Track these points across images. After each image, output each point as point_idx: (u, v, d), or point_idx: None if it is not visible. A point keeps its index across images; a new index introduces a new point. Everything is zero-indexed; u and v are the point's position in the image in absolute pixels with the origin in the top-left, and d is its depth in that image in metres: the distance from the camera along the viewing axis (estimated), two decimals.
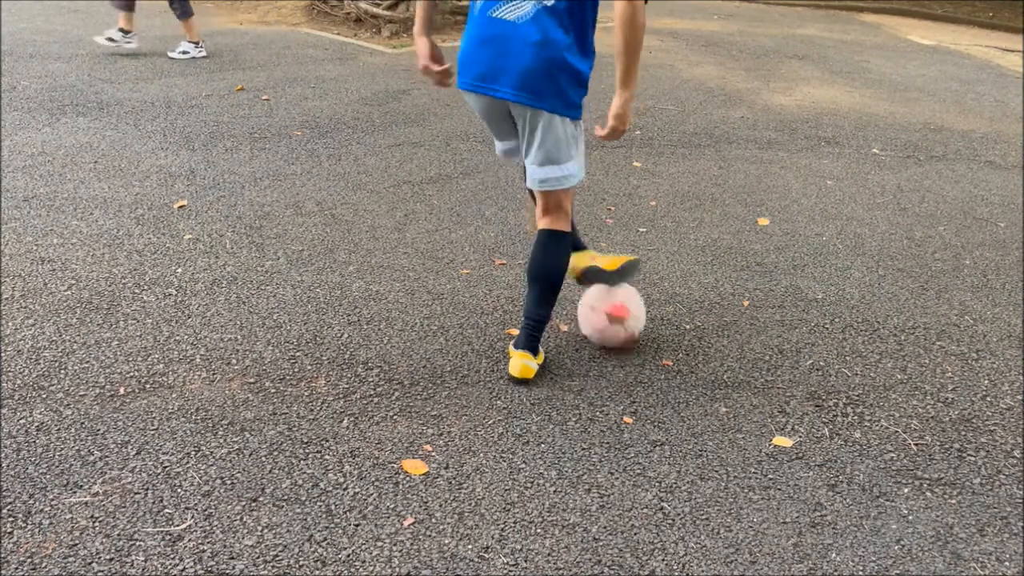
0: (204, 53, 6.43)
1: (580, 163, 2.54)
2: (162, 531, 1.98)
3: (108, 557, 1.90)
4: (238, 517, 2.03)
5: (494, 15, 2.35)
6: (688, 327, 3.02)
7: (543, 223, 2.58)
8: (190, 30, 6.35)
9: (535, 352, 2.63)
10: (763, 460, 2.35)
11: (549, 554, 1.98)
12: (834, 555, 2.03)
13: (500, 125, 2.56)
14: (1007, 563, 2.04)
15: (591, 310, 2.79)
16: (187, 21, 6.29)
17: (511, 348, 2.67)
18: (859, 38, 9.13)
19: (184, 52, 6.36)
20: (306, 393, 2.53)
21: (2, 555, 1.89)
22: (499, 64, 2.36)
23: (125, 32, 6.29)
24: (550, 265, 2.58)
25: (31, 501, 2.05)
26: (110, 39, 6.31)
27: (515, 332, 2.89)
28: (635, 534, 2.05)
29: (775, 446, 2.41)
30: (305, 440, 2.32)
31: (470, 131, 5.06)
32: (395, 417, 2.44)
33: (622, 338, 2.78)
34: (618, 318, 2.74)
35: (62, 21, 7.55)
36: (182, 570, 1.87)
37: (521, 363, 2.59)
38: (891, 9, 11.17)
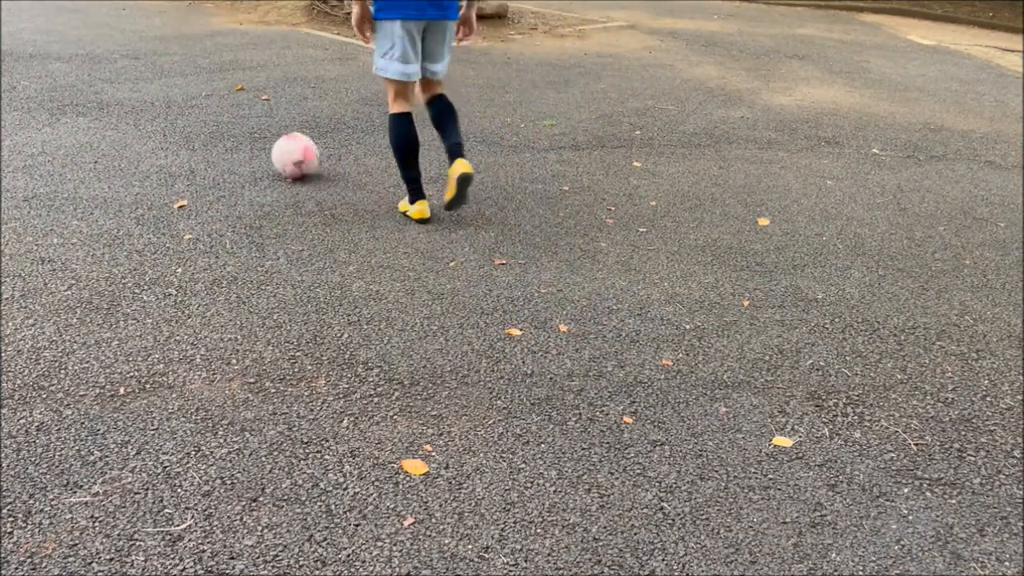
0: None
1: None
2: (162, 531, 1.98)
3: (108, 557, 1.90)
4: (238, 517, 2.03)
5: None
6: (688, 327, 3.02)
7: (434, 92, 3.78)
8: None
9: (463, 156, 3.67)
10: (763, 460, 2.35)
11: (549, 554, 1.98)
12: (834, 555, 2.03)
13: (415, 44, 3.55)
14: (1007, 563, 2.04)
15: (288, 143, 4.18)
16: None
17: (452, 165, 3.61)
18: (859, 38, 9.13)
19: None
20: (306, 393, 2.53)
21: (2, 555, 1.89)
22: None
23: None
24: (454, 109, 3.79)
25: (31, 501, 2.05)
26: None
27: (515, 332, 2.90)
28: (635, 534, 2.05)
29: (775, 446, 2.41)
30: (305, 440, 2.32)
31: (469, 131, 5.06)
32: (395, 417, 2.44)
33: (294, 174, 4.16)
34: (305, 160, 4.15)
35: (62, 21, 7.55)
36: (182, 570, 1.87)
37: (464, 163, 3.59)
38: (891, 9, 11.17)
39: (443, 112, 3.78)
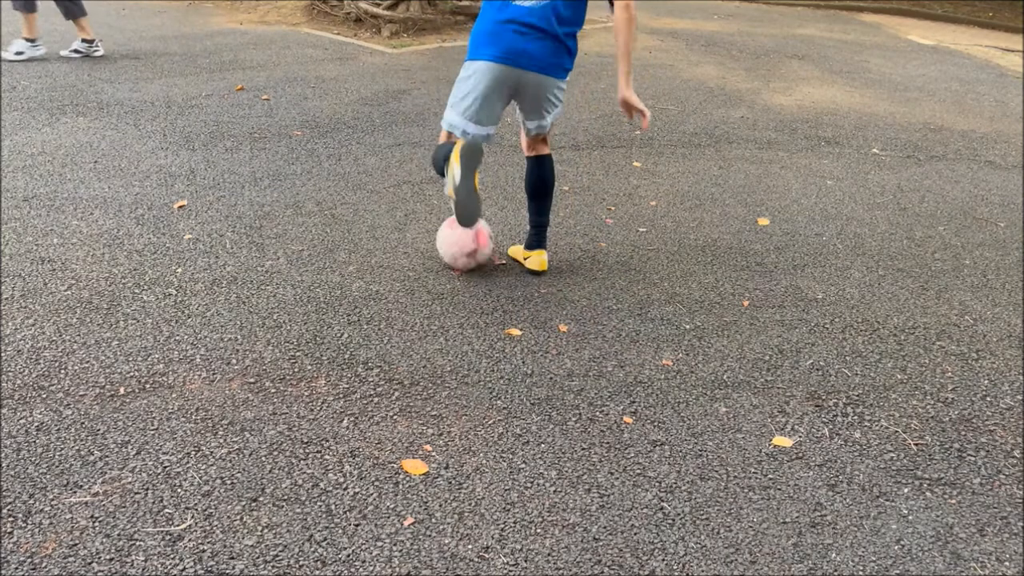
0: (100, 52, 6.31)
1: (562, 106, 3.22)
2: (162, 531, 1.98)
3: (108, 557, 1.90)
4: (238, 517, 2.03)
5: (513, 1, 2.94)
6: (688, 327, 3.02)
7: (536, 151, 3.25)
8: (83, 28, 6.20)
9: (545, 249, 3.36)
10: (763, 460, 2.35)
11: (549, 554, 1.98)
12: (834, 555, 2.03)
13: (499, 102, 3.04)
14: (1007, 563, 2.04)
15: (450, 230, 3.31)
16: (78, 20, 6.14)
17: (523, 250, 3.37)
18: (859, 38, 9.13)
19: (76, 51, 6.19)
20: (306, 393, 2.53)
21: (2, 555, 1.89)
22: (520, 44, 2.94)
23: (31, 40, 6.11)
24: (549, 180, 3.29)
25: (31, 501, 2.05)
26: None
27: (515, 332, 2.89)
28: (635, 534, 2.05)
29: (775, 446, 2.41)
30: (305, 440, 2.32)
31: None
32: (395, 417, 2.44)
33: (467, 265, 3.34)
34: (481, 246, 3.29)
35: (62, 21, 7.55)
36: (182, 570, 1.87)
37: (542, 258, 3.32)
38: (891, 9, 11.17)
39: (537, 178, 3.28)
